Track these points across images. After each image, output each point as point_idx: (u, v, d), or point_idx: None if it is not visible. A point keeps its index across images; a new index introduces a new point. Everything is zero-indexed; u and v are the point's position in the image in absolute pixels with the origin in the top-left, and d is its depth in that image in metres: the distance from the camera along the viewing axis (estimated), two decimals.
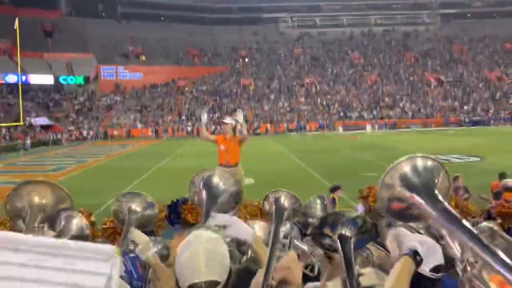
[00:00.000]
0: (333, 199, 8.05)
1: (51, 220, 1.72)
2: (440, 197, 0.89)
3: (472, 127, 43.06)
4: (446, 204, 0.88)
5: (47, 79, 51.26)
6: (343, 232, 1.61)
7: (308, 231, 2.30)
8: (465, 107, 49.50)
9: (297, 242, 1.95)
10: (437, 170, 0.96)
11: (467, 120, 46.27)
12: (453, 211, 0.87)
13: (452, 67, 59.52)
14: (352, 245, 1.57)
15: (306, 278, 1.87)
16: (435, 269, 1.62)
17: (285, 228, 2.34)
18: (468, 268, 0.83)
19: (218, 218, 1.69)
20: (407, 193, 0.92)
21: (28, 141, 34.28)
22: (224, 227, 1.61)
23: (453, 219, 0.83)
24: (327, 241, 1.60)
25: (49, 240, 0.48)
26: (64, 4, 65.73)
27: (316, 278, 1.75)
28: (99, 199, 12.38)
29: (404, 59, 62.95)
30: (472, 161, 18.31)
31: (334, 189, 8.30)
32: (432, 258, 1.64)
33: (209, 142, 7.62)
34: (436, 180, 0.93)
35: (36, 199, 1.71)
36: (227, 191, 1.97)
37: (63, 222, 2.01)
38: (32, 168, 21.50)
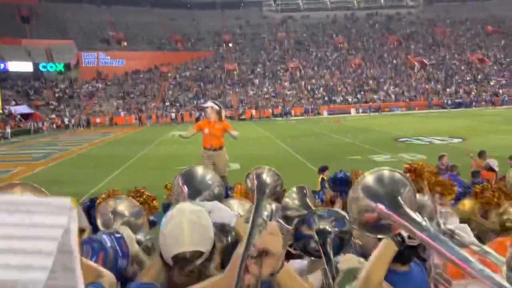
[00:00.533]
0: (322, 179, 8.14)
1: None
2: (402, 203, 0.91)
3: (455, 110, 43.69)
4: (407, 208, 0.90)
5: (26, 66, 50.02)
6: (321, 226, 1.61)
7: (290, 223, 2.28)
8: (448, 90, 50.09)
9: (281, 221, 1.93)
10: (402, 182, 0.97)
11: (449, 102, 46.88)
12: (414, 215, 0.88)
13: (435, 50, 60.02)
14: (330, 240, 1.57)
15: (290, 257, 1.86)
16: (411, 237, 1.65)
17: (270, 207, 2.32)
18: (433, 269, 0.87)
19: (200, 203, 1.67)
20: (371, 204, 0.94)
21: (9, 130, 33.56)
22: (209, 212, 1.59)
23: (418, 225, 0.84)
24: (311, 245, 1.61)
25: (3, 197, 0.48)
26: None
27: (299, 256, 1.73)
28: (82, 187, 12.22)
29: (387, 42, 63.19)
30: (455, 142, 18.60)
31: (322, 169, 8.41)
32: None
33: (197, 134, 7.59)
34: (401, 190, 0.95)
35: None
36: (211, 187, 1.95)
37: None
38: (14, 158, 21.09)
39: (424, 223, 0.84)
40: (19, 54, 50.57)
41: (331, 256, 1.55)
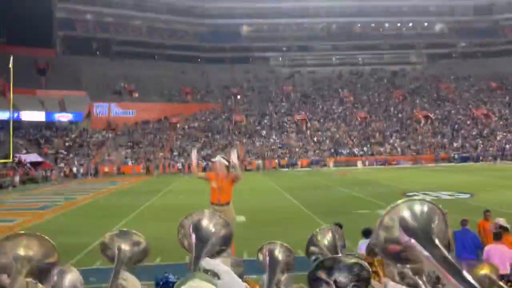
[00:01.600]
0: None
1: (39, 274, 1.65)
2: (437, 242, 0.91)
3: (462, 164, 43.51)
4: (444, 250, 0.89)
5: (38, 116, 51.23)
6: (340, 278, 1.61)
7: (310, 259, 2.22)
8: (454, 144, 50.19)
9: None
10: (434, 213, 0.98)
11: (456, 156, 46.79)
12: (449, 257, 0.88)
13: (440, 105, 60.78)
14: None
15: None
16: None
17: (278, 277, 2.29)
18: None
19: (210, 265, 1.67)
20: (405, 237, 0.94)
21: (17, 178, 33.84)
22: (217, 276, 1.59)
23: (449, 266, 0.84)
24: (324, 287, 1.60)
25: None
26: (58, 43, 66.78)
27: None
28: (87, 238, 12.14)
29: (392, 96, 64.24)
30: (463, 198, 18.39)
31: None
32: None
33: (202, 180, 7.61)
34: (433, 225, 0.96)
35: (22, 252, 1.61)
36: (217, 234, 1.95)
37: (55, 278, 1.95)
38: (21, 206, 21.13)
39: (460, 269, 0.82)
40: (32, 104, 51.94)
41: None
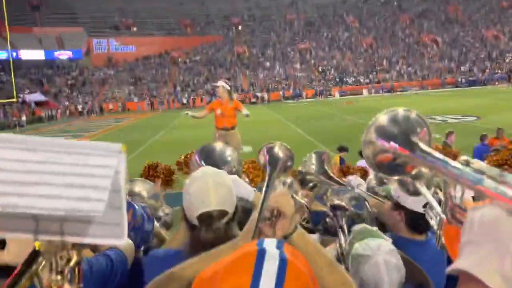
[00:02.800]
0: (341, 158, 8.18)
1: None
2: (417, 141, 0.90)
3: (469, 88, 42.93)
4: (423, 145, 0.89)
5: (38, 54, 50.39)
6: (336, 202, 1.62)
7: (306, 187, 2.30)
8: (462, 68, 49.16)
9: (295, 196, 1.96)
10: (417, 122, 0.95)
11: (463, 80, 46.05)
12: (429, 149, 0.87)
13: (448, 28, 58.73)
14: (344, 215, 1.60)
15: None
16: (426, 206, 1.68)
17: (285, 182, 2.33)
18: (450, 200, 0.87)
19: None
20: (386, 144, 0.92)
21: (24, 118, 34.07)
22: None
23: (430, 156, 0.85)
24: (329, 223, 1.63)
25: (62, 141, 0.55)
26: None
27: (312, 231, 1.77)
28: None
29: (399, 21, 62.01)
30: (469, 121, 18.35)
31: (341, 149, 8.43)
32: (422, 198, 1.69)
33: (208, 115, 7.71)
34: (417, 130, 0.93)
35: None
36: (229, 164, 1.96)
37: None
38: None
39: (439, 155, 0.84)
40: (30, 42, 50.92)
41: (345, 228, 1.58)
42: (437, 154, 0.84)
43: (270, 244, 0.78)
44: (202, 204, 1.31)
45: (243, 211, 1.47)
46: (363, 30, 60.20)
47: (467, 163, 0.78)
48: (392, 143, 0.92)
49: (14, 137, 0.53)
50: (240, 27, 63.32)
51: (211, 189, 1.32)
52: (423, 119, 0.98)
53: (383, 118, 0.96)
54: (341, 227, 1.60)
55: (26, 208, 0.48)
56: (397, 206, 1.81)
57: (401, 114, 0.97)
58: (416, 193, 1.74)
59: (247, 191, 1.70)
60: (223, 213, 1.33)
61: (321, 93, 45.23)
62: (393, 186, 1.84)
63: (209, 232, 1.31)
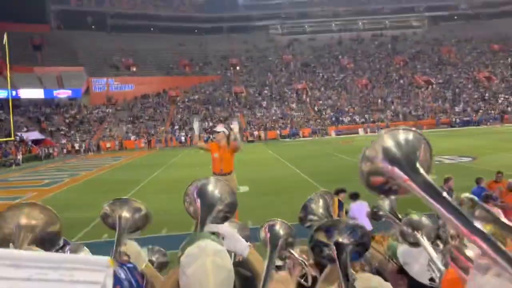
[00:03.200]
0: (339, 201, 8.06)
1: (43, 243, 1.65)
2: (421, 170, 0.89)
3: (463, 128, 43.43)
4: (427, 176, 0.87)
5: (37, 93, 50.95)
6: (340, 239, 1.60)
7: (305, 225, 2.25)
8: (456, 108, 49.94)
9: (292, 252, 1.95)
10: (418, 142, 0.94)
11: (457, 120, 46.66)
12: (433, 183, 0.86)
13: (441, 69, 60.16)
14: (348, 253, 1.57)
15: None
16: (433, 279, 1.66)
17: (283, 238, 2.30)
18: (450, 240, 0.85)
19: (215, 228, 1.68)
20: (388, 166, 0.91)
21: (20, 156, 33.99)
22: (222, 238, 1.60)
23: (433, 192, 0.83)
24: (326, 252, 1.60)
25: (47, 255, 0.54)
26: (52, 18, 65.67)
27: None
28: (93, 212, 12.26)
29: (393, 62, 63.53)
30: (464, 162, 18.42)
31: (338, 191, 8.30)
32: (428, 271, 1.68)
33: (203, 150, 7.60)
34: (417, 153, 0.92)
35: (24, 221, 1.61)
36: (223, 200, 1.95)
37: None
38: (25, 183, 21.29)
39: (443, 194, 0.81)
40: (31, 81, 51.62)
41: (348, 271, 1.54)
42: (440, 191, 0.81)
43: None
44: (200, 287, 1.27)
45: (242, 278, 1.43)
46: (358, 71, 61.54)
47: (472, 204, 0.76)
48: (396, 169, 0.89)
49: None
50: (238, 68, 64.64)
51: (210, 272, 1.27)
52: (425, 138, 0.97)
53: (386, 138, 0.95)
54: (343, 267, 1.55)
55: None
56: (402, 271, 1.79)
57: (404, 135, 0.95)
58: (415, 244, 1.73)
59: (242, 246, 1.66)
60: None
61: (317, 132, 45.59)
62: (400, 248, 1.82)
63: None
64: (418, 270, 1.70)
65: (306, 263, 1.77)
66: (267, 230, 1.76)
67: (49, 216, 1.67)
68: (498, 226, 0.76)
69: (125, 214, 2.08)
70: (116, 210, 2.06)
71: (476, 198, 0.78)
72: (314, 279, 1.87)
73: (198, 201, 1.89)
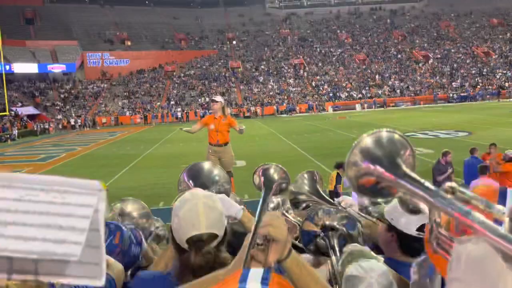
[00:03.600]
0: (338, 175, 8.13)
1: None
2: (402, 165, 0.89)
3: (460, 103, 43.42)
4: (407, 170, 0.88)
5: (31, 68, 50.28)
6: (327, 222, 1.62)
7: (300, 208, 2.29)
8: (453, 84, 49.78)
9: (287, 215, 1.94)
10: (401, 144, 0.94)
11: (455, 96, 46.58)
12: (414, 175, 0.87)
13: (440, 44, 59.64)
14: (335, 236, 1.58)
15: (295, 250, 1.87)
16: (421, 229, 1.67)
17: (277, 200, 2.32)
18: (435, 228, 0.87)
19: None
20: (370, 166, 0.91)
21: (15, 132, 33.82)
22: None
23: (416, 182, 0.84)
24: (321, 243, 1.61)
25: (39, 177, 0.52)
26: None
27: (304, 250, 1.75)
28: None
29: (391, 37, 62.88)
30: (461, 136, 18.50)
31: (338, 165, 8.36)
32: (415, 220, 1.68)
33: (202, 129, 7.60)
34: (398, 151, 0.92)
35: None
36: (218, 183, 1.95)
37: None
38: (21, 158, 21.25)
39: (425, 183, 0.84)
40: (23, 55, 50.85)
41: (337, 249, 1.56)
42: (422, 181, 0.84)
43: (253, 280, 0.75)
44: (192, 227, 1.29)
45: (232, 233, 1.44)
46: (355, 46, 60.93)
47: (452, 191, 0.79)
48: (377, 166, 0.90)
49: None
50: (234, 42, 63.84)
51: (201, 212, 1.30)
52: (406, 140, 0.96)
53: (367, 140, 0.94)
54: (333, 248, 1.58)
55: None
56: (390, 227, 1.79)
57: (385, 135, 0.95)
58: (415, 211, 1.72)
59: (235, 209, 1.67)
60: (213, 237, 1.31)
61: (313, 108, 45.46)
62: (386, 207, 1.83)
63: (198, 256, 1.29)
64: (404, 223, 1.71)
65: (301, 225, 1.77)
66: (260, 173, 1.75)
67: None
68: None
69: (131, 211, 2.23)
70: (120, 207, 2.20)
71: (455, 185, 0.80)
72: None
73: (191, 183, 1.91)
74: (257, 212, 1.21)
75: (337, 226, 1.63)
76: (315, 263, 1.72)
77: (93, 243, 0.53)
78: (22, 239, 0.47)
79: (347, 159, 0.94)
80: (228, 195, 1.92)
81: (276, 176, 1.75)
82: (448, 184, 0.80)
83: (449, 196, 0.73)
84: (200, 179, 1.94)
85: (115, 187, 11.69)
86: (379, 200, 2.37)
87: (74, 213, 0.51)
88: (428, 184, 0.83)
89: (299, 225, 1.76)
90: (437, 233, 0.84)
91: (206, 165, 2.04)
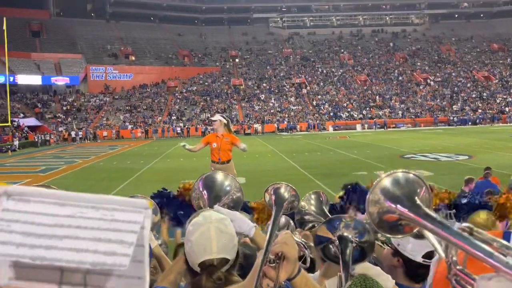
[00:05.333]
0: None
1: None
2: (420, 204, 0.97)
3: (461, 126, 43.58)
4: (427, 209, 0.96)
5: (35, 80, 50.66)
6: (345, 234, 1.64)
7: (305, 228, 2.32)
8: (454, 107, 50.06)
9: (294, 234, 1.97)
10: (417, 183, 1.04)
11: (455, 119, 46.78)
12: (434, 214, 0.93)
13: (440, 67, 60.20)
14: (351, 249, 1.60)
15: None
16: (427, 256, 1.70)
17: (287, 219, 2.34)
18: (452, 266, 0.88)
19: (221, 210, 1.71)
20: (392, 205, 0.99)
21: (16, 142, 33.88)
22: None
23: (435, 222, 0.90)
24: (332, 250, 1.64)
25: (90, 196, 0.57)
26: (52, 4, 65.09)
27: (309, 270, 1.77)
28: None
29: (393, 59, 63.50)
30: (461, 159, 18.52)
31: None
32: (421, 247, 1.72)
33: (203, 148, 7.61)
34: (418, 191, 1.01)
35: None
36: (231, 195, 1.99)
37: None
38: (22, 169, 21.26)
39: (444, 221, 0.89)
40: (28, 67, 51.31)
41: (350, 263, 1.58)
42: (441, 220, 0.90)
43: None
44: (204, 252, 1.33)
45: (244, 256, 1.47)
46: (357, 67, 61.49)
47: (470, 231, 0.81)
48: (399, 206, 0.98)
49: (45, 192, 0.55)
50: (237, 60, 64.46)
51: (213, 237, 1.33)
52: (421, 178, 1.05)
53: (385, 180, 1.04)
54: (345, 261, 1.59)
55: (53, 261, 0.50)
56: (396, 252, 1.82)
57: (401, 176, 1.05)
58: (420, 235, 1.74)
59: (248, 226, 1.69)
60: (224, 261, 1.35)
61: (313, 127, 45.63)
62: None
63: (209, 281, 1.33)
64: (411, 249, 1.74)
65: (306, 245, 1.80)
66: (272, 192, 1.79)
67: None
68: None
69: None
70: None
71: (472, 225, 0.84)
72: (313, 261, 1.90)
73: (205, 192, 1.95)
74: (269, 230, 1.26)
75: (353, 239, 1.65)
76: (325, 272, 1.74)
77: (138, 258, 0.56)
78: (75, 251, 0.51)
79: (369, 197, 1.03)
80: (240, 203, 1.96)
81: (286, 195, 1.79)
82: (464, 224, 0.83)
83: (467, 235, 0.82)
84: (213, 189, 1.98)
85: None
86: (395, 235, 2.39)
87: (122, 228, 0.54)
88: (447, 223, 0.88)
89: (304, 245, 1.79)
90: (456, 271, 0.87)
91: (220, 176, 2.08)
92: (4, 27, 30.06)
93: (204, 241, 1.34)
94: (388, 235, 1.12)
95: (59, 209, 0.54)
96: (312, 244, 1.83)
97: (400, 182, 1.03)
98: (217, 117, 7.47)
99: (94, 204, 0.56)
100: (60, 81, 52.43)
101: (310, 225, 2.21)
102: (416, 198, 0.99)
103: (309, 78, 58.41)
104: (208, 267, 1.33)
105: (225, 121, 7.31)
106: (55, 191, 0.56)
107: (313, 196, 2.30)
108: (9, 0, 57.93)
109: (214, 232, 1.34)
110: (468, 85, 55.23)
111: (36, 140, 37.46)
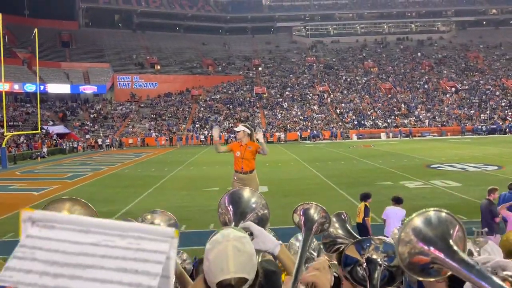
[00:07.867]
0: (366, 206, 7.96)
1: None
2: (456, 248, 0.94)
3: (489, 136, 42.38)
4: (463, 254, 0.93)
5: (64, 88, 52.21)
6: (373, 256, 1.60)
7: (332, 251, 2.26)
8: (482, 116, 48.79)
9: (314, 254, 1.93)
10: (450, 222, 1.00)
11: (483, 128, 45.51)
12: (470, 260, 0.91)
13: (468, 75, 58.88)
14: (379, 273, 1.57)
15: None
16: None
17: (317, 243, 2.30)
18: None
19: (251, 226, 1.69)
20: (424, 247, 0.96)
21: (45, 149, 34.84)
22: (251, 234, 1.60)
23: (473, 270, 0.87)
24: (360, 273, 1.60)
25: (115, 223, 0.56)
26: (81, 15, 67.11)
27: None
28: (114, 206, 12.50)
29: (418, 67, 62.52)
30: (490, 170, 17.98)
31: (365, 197, 8.19)
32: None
33: (225, 152, 7.61)
34: (451, 231, 0.97)
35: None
36: (256, 212, 1.97)
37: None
38: (50, 176, 21.82)
39: (483, 270, 0.86)
40: (58, 76, 52.93)
41: (377, 285, 1.54)
42: (480, 268, 0.86)
43: None
44: (221, 272, 1.29)
45: (265, 274, 1.43)
46: (381, 75, 60.80)
47: (495, 271, 0.80)
48: (432, 248, 0.95)
49: (70, 218, 0.55)
50: (260, 68, 64.75)
51: (230, 255, 1.29)
52: (453, 216, 1.02)
53: (417, 220, 1.00)
54: (373, 285, 1.56)
55: None
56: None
57: (433, 215, 1.01)
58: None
59: (272, 244, 1.62)
60: (242, 281, 1.30)
61: (335, 135, 45.22)
62: None
63: None
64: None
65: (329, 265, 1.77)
66: (301, 213, 1.74)
67: (90, 212, 1.74)
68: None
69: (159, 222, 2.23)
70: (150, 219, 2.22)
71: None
72: (337, 281, 1.85)
73: (231, 208, 1.92)
74: (299, 254, 1.21)
75: (382, 262, 1.61)
76: None
77: None
78: (99, 281, 0.50)
79: (398, 236, 1.00)
80: (266, 220, 1.92)
81: (316, 216, 1.75)
82: (507, 273, 0.81)
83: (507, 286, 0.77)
84: (239, 205, 1.96)
85: (138, 208, 11.83)
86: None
87: (148, 258, 0.53)
88: (485, 272, 0.84)
89: (336, 276, 1.74)
90: None
91: (246, 192, 2.06)
92: (36, 38, 31.08)
93: (221, 260, 1.30)
94: (418, 278, 1.08)
95: (84, 237, 0.53)
96: (335, 262, 1.80)
97: (432, 222, 0.99)
98: (240, 127, 7.42)
99: (120, 232, 0.55)
100: (88, 89, 53.83)
101: (336, 247, 2.14)
102: (450, 240, 0.96)
103: (333, 86, 58.08)
104: (226, 287, 1.29)
105: (248, 131, 7.28)
106: (81, 217, 0.55)
107: (334, 219, 2.24)
108: (40, 11, 60.17)
109: (232, 251, 1.30)
110: (497, 93, 53.78)
111: (64, 147, 38.45)
